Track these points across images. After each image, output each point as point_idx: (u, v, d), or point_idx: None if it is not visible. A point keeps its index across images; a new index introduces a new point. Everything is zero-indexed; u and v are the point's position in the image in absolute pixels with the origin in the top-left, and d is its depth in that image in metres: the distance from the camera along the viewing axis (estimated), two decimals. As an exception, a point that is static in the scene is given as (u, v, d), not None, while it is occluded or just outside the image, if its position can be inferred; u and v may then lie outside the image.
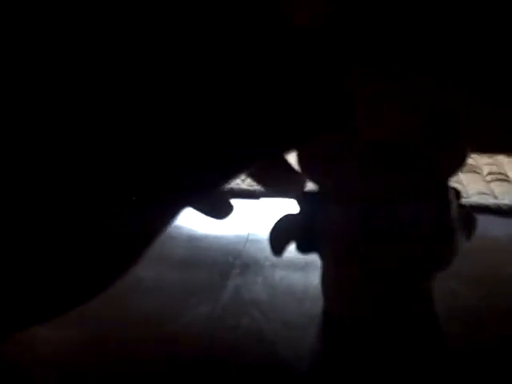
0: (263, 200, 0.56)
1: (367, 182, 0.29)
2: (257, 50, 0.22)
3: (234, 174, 0.24)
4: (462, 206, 0.32)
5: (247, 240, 0.48)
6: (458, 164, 0.30)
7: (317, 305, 0.34)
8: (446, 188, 0.30)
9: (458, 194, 0.31)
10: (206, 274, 0.42)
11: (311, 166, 0.30)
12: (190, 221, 0.50)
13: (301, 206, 0.31)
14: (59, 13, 0.19)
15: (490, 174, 0.63)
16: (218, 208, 0.33)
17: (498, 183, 0.61)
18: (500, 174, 0.63)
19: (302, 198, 0.31)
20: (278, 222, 0.32)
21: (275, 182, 0.32)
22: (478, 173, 0.64)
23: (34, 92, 0.19)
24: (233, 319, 0.35)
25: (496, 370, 0.30)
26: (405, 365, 0.30)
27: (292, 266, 0.42)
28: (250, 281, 0.41)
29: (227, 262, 0.44)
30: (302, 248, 0.31)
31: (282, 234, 0.32)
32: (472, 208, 0.52)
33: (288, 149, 0.26)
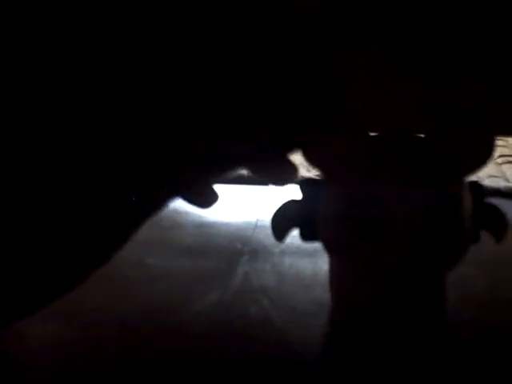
0: (272, 186, 0.55)
1: (368, 172, 0.28)
2: (254, 40, 0.22)
3: (232, 168, 0.24)
4: (488, 205, 0.30)
5: (256, 226, 0.48)
6: (477, 162, 0.28)
7: (326, 292, 0.34)
8: (459, 185, 0.29)
9: (481, 191, 0.30)
10: (214, 260, 0.42)
11: (314, 153, 0.29)
12: (198, 209, 0.50)
13: (303, 193, 0.31)
14: (59, 13, 0.19)
15: (501, 156, 0.63)
16: (203, 197, 0.33)
17: (509, 166, 0.60)
18: (511, 156, 0.62)
19: (304, 184, 0.31)
20: (280, 207, 0.31)
21: (268, 171, 0.31)
22: (489, 155, 0.63)
23: (33, 91, 0.19)
24: (242, 306, 0.35)
25: (510, 356, 0.30)
26: (409, 360, 0.30)
27: (301, 252, 0.42)
28: (259, 267, 0.40)
29: (236, 249, 0.44)
30: (304, 235, 0.31)
31: (283, 220, 0.31)
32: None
33: (283, 138, 0.26)
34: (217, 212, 0.50)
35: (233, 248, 0.44)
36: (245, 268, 0.40)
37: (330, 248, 0.30)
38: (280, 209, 0.31)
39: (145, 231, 0.47)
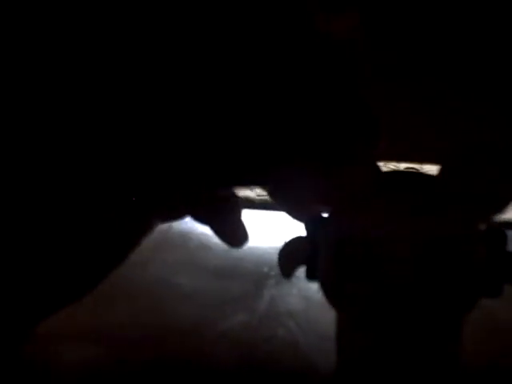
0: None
1: (363, 210, 0.26)
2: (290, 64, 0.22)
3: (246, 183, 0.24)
4: (507, 253, 0.27)
5: (282, 251, 0.48)
6: (496, 205, 0.26)
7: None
8: (471, 231, 0.26)
9: (503, 239, 0.27)
10: (241, 283, 0.42)
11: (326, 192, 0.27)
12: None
13: (307, 231, 0.29)
14: (59, 13, 0.19)
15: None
16: (234, 235, 0.32)
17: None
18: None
19: (308, 222, 0.29)
20: (287, 244, 0.29)
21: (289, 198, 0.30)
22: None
23: (33, 92, 0.19)
24: (269, 329, 0.36)
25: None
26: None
27: (327, 278, 0.42)
28: (286, 292, 0.41)
29: (262, 273, 0.44)
30: (308, 275, 0.29)
31: (290, 257, 0.30)
32: (508, 224, 0.51)
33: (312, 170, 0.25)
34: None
35: (259, 272, 0.44)
36: (271, 292, 0.41)
37: (322, 290, 0.28)
38: (286, 245, 0.29)
39: (172, 252, 0.48)
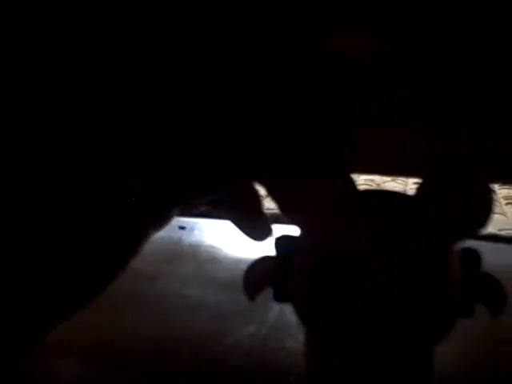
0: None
1: (338, 228, 0.25)
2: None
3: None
4: (484, 276, 0.26)
5: (291, 264, 0.48)
6: (474, 222, 0.25)
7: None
8: (446, 250, 0.25)
9: (477, 259, 0.26)
10: (250, 296, 0.43)
11: (292, 205, 0.26)
12: (235, 245, 0.51)
13: (277, 250, 0.27)
14: (59, 13, 0.19)
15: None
16: (257, 230, 0.32)
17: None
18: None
19: (279, 241, 0.27)
20: (252, 264, 0.28)
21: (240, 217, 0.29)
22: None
23: (33, 92, 0.19)
24: (278, 341, 0.36)
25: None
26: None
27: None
28: (295, 304, 0.41)
29: (271, 285, 0.44)
30: (276, 297, 0.28)
31: (255, 278, 0.28)
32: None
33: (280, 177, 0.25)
34: (253, 249, 0.50)
35: (268, 284, 0.44)
36: (280, 304, 0.41)
37: (297, 312, 0.27)
38: (252, 266, 0.28)
39: (182, 265, 0.48)
